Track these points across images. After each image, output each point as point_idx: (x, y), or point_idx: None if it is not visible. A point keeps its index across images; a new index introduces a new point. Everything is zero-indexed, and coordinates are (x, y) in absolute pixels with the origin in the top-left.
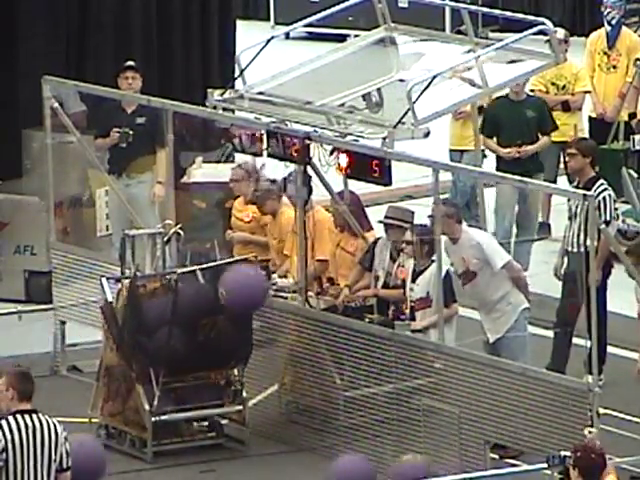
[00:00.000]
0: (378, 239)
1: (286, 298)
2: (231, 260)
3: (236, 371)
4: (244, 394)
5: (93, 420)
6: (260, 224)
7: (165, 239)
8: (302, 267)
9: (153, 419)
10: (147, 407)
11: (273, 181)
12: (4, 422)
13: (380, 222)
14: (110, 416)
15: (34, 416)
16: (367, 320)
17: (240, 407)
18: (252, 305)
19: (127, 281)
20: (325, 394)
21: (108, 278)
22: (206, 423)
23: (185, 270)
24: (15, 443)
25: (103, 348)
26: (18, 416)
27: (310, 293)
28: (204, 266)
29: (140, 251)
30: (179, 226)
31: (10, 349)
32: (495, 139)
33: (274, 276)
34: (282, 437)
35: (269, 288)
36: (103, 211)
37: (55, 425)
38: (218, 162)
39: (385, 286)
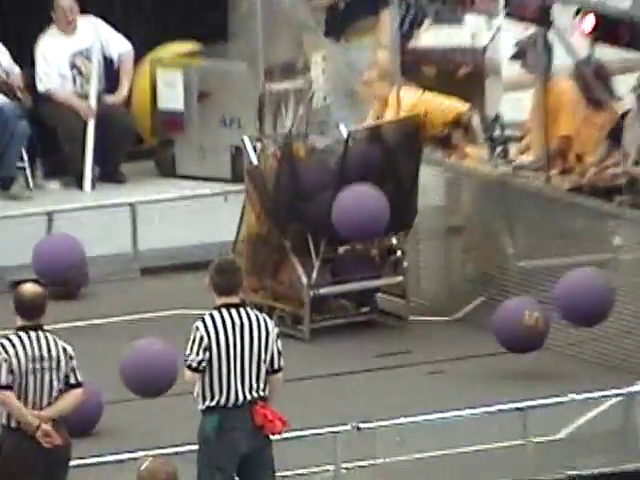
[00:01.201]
0: (628, 111)
1: (527, 177)
2: (399, 118)
3: (395, 240)
4: (404, 264)
5: None
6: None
7: (309, 96)
8: (543, 144)
9: (311, 293)
10: (305, 280)
11: None
12: (207, 317)
13: (632, 92)
14: (253, 291)
15: (241, 310)
16: (616, 202)
17: (400, 278)
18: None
19: (280, 142)
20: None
21: (251, 137)
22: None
23: (351, 130)
24: (220, 340)
25: (246, 216)
26: (223, 310)
27: (553, 172)
28: (371, 124)
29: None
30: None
31: (215, 235)
32: None
33: (511, 152)
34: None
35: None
36: (319, 78)
37: (266, 321)
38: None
39: (637, 164)
